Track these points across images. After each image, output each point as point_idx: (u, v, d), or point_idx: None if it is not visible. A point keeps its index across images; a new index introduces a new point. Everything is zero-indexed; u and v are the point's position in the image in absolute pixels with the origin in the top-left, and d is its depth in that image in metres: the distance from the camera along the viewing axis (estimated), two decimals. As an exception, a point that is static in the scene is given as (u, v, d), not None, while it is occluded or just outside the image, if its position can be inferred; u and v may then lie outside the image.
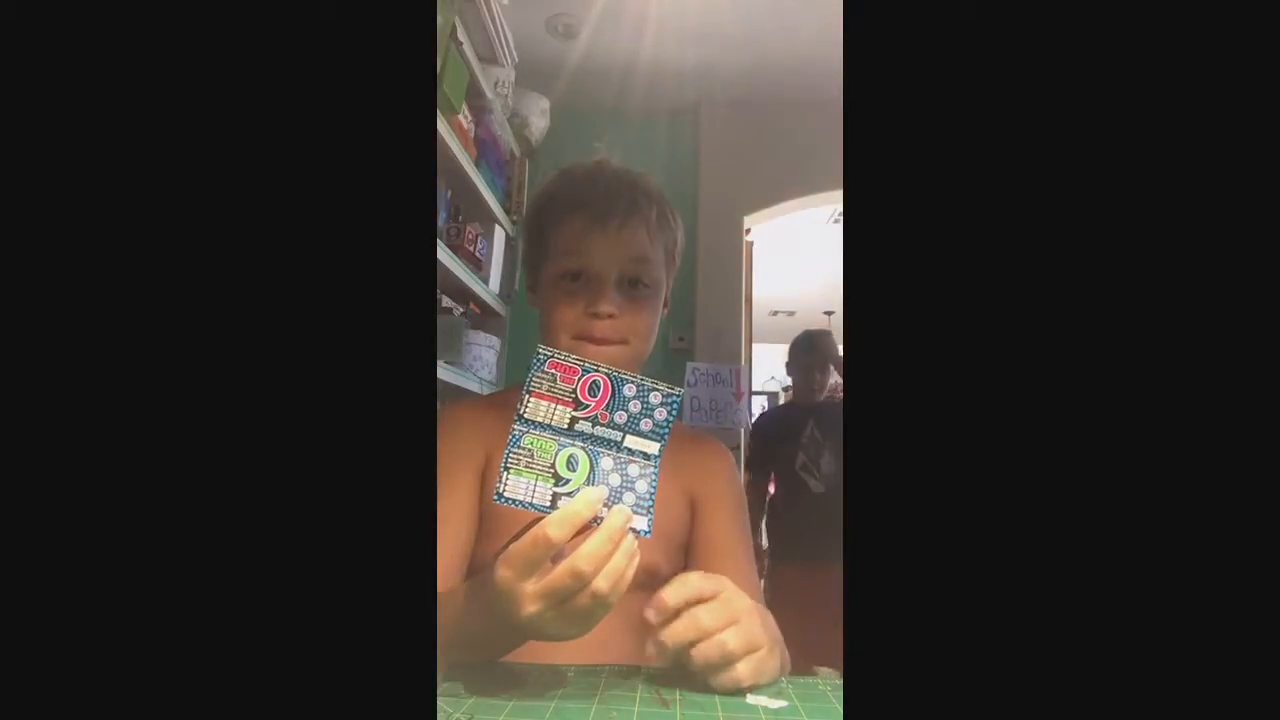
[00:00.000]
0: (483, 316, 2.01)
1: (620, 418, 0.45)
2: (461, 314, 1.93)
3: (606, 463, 0.45)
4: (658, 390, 0.45)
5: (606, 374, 0.44)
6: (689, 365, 2.24)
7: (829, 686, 0.50)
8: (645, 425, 0.45)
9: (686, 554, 0.75)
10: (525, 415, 0.44)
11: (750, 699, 0.47)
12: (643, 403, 0.45)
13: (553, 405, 0.44)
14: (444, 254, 1.51)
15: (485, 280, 1.85)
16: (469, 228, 1.74)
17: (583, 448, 0.45)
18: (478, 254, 1.79)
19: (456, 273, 1.60)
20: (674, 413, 0.46)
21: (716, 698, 0.47)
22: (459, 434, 0.71)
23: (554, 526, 0.42)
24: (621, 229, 0.70)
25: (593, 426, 0.45)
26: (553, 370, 0.44)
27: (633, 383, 0.45)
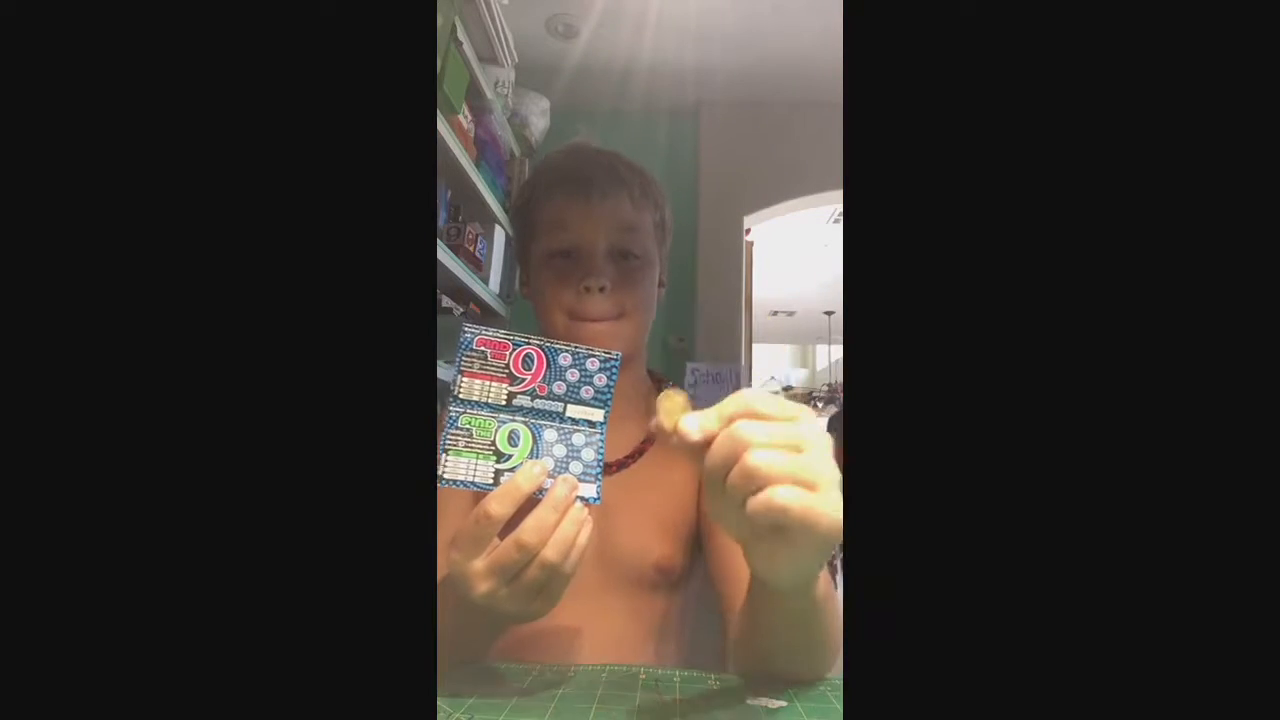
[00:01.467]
0: (483, 316, 2.01)
1: (559, 388, 0.45)
2: (461, 314, 1.93)
3: (550, 435, 0.45)
4: (594, 356, 0.45)
5: (539, 345, 0.44)
6: (689, 365, 2.24)
7: (829, 686, 0.50)
8: (586, 393, 0.45)
9: (704, 541, 0.72)
10: (460, 395, 0.44)
11: (750, 700, 0.47)
12: (580, 371, 0.45)
13: (487, 383, 0.44)
14: (444, 254, 1.51)
15: (485, 280, 1.85)
16: (469, 228, 1.74)
17: (523, 422, 0.44)
18: (478, 254, 1.79)
19: (456, 273, 1.60)
20: (613, 377, 0.45)
21: (716, 698, 0.47)
22: None
23: (495, 502, 0.42)
24: (605, 199, 0.70)
25: (532, 400, 0.44)
26: (481, 347, 0.44)
27: (567, 352, 0.44)
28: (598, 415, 0.45)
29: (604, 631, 0.65)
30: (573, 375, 0.45)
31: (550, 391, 0.45)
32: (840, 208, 3.12)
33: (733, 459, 0.36)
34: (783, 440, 0.36)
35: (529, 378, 0.44)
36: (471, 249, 1.74)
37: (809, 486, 0.36)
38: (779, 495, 0.35)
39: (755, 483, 0.36)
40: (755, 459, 0.35)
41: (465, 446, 0.44)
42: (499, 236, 1.95)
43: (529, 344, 0.44)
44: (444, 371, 1.55)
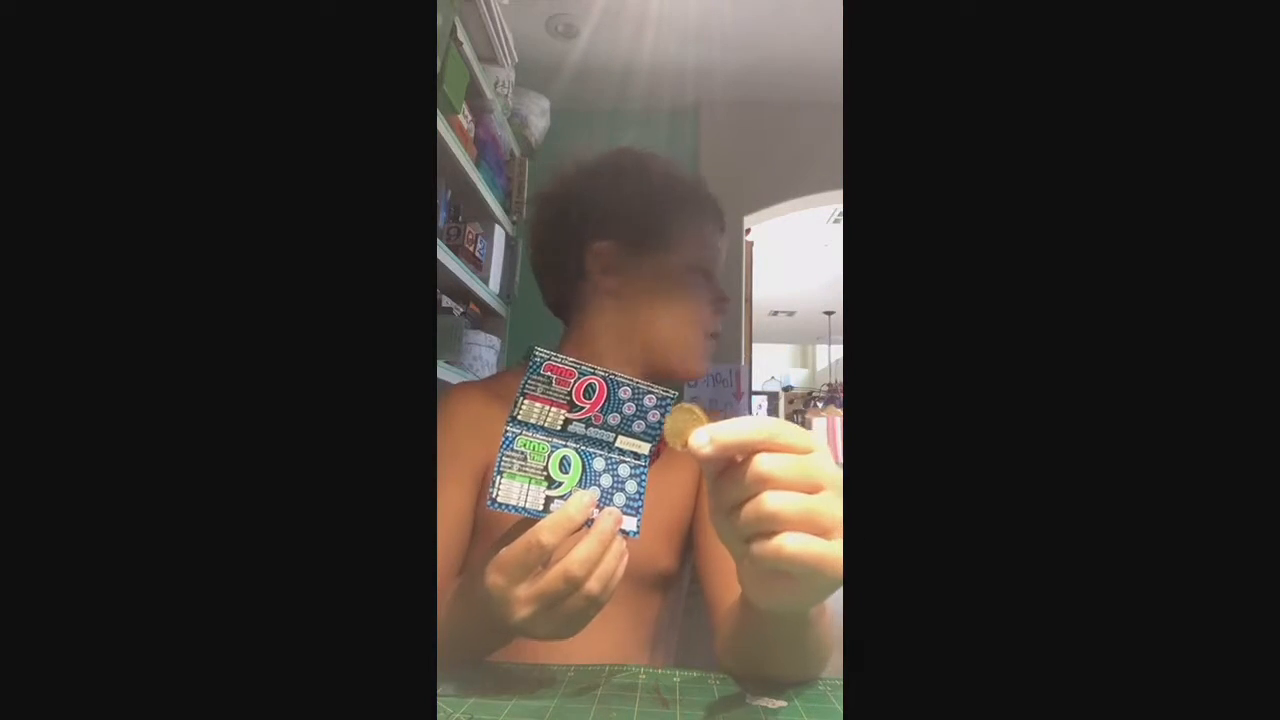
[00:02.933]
0: (483, 316, 2.00)
1: (614, 419, 0.45)
2: (461, 314, 1.92)
3: (598, 463, 0.45)
4: (653, 393, 0.45)
5: (603, 376, 0.44)
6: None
7: (829, 686, 0.50)
8: (638, 427, 0.45)
9: (694, 540, 0.72)
10: (519, 417, 0.44)
11: (750, 700, 0.47)
12: (637, 405, 0.45)
13: (546, 407, 0.44)
14: (444, 254, 1.51)
15: (485, 280, 1.85)
16: (469, 228, 1.73)
17: (575, 449, 0.45)
18: (478, 254, 1.79)
19: (456, 273, 1.60)
20: (666, 414, 0.45)
21: (716, 697, 0.47)
22: (455, 429, 0.70)
23: (547, 532, 0.42)
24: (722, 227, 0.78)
25: (586, 428, 0.45)
26: (549, 373, 0.44)
27: (629, 385, 0.45)
28: (644, 449, 0.46)
29: (603, 632, 0.65)
30: (629, 409, 0.45)
31: (605, 422, 0.45)
32: (840, 208, 3.12)
33: (747, 493, 0.35)
34: (800, 478, 0.35)
35: (588, 406, 0.44)
36: (471, 249, 1.74)
37: (822, 533, 0.35)
38: (790, 543, 0.34)
39: (768, 525, 0.35)
40: (771, 503, 0.35)
41: (519, 470, 0.44)
42: (499, 236, 1.95)
43: (594, 374, 0.44)
44: (444, 372, 1.55)
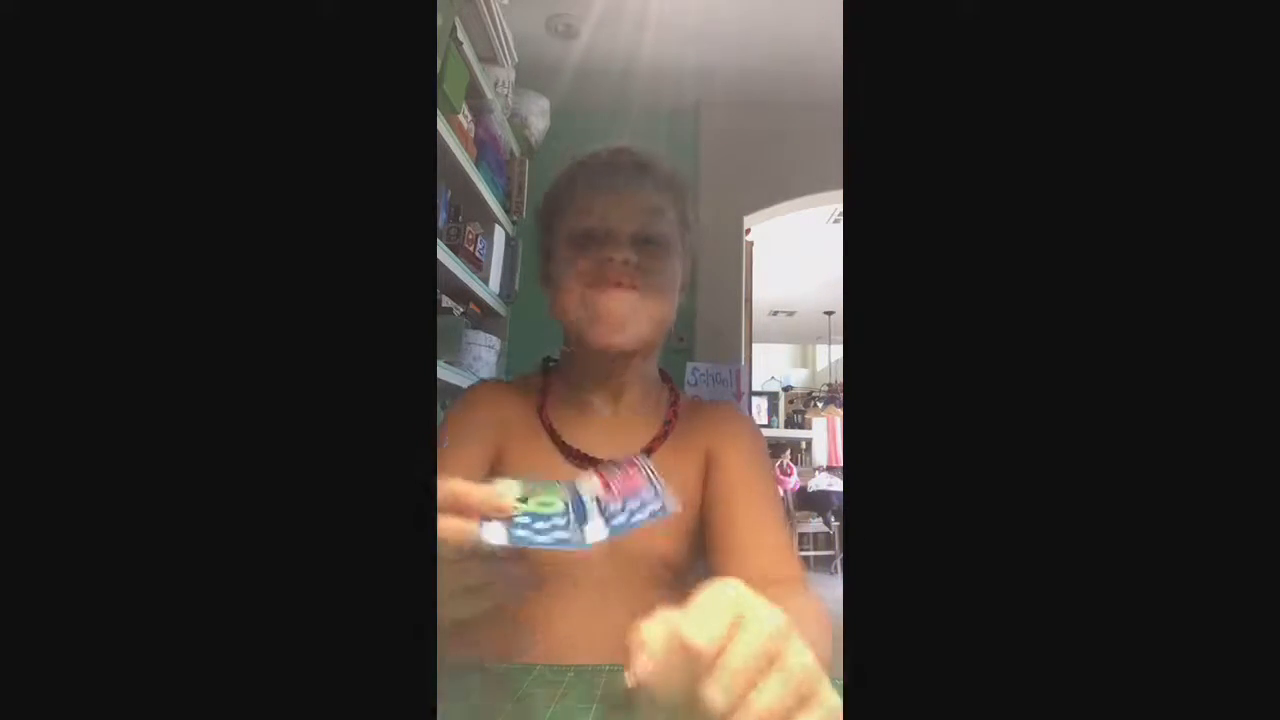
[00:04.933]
0: (483, 316, 2.01)
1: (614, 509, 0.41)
2: (461, 314, 1.93)
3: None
4: (650, 508, 0.41)
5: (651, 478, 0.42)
6: (689, 365, 2.24)
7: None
8: (614, 514, 0.40)
9: (703, 519, 0.71)
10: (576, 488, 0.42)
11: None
12: (635, 500, 0.41)
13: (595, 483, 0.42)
14: (444, 254, 1.51)
15: (485, 280, 1.85)
16: (469, 228, 1.74)
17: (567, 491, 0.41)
18: (478, 254, 1.79)
19: (456, 273, 1.60)
20: (636, 526, 0.40)
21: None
22: (475, 416, 0.73)
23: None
24: (629, 184, 0.72)
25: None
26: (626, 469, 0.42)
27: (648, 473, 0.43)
28: (601, 532, 0.39)
29: (607, 629, 0.65)
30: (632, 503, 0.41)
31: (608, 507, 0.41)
32: (840, 208, 3.13)
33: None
34: (749, 677, 0.28)
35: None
36: (471, 249, 1.74)
37: (800, 706, 0.29)
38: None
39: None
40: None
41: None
42: (499, 236, 1.95)
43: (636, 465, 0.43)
44: (444, 372, 1.55)
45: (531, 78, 2.13)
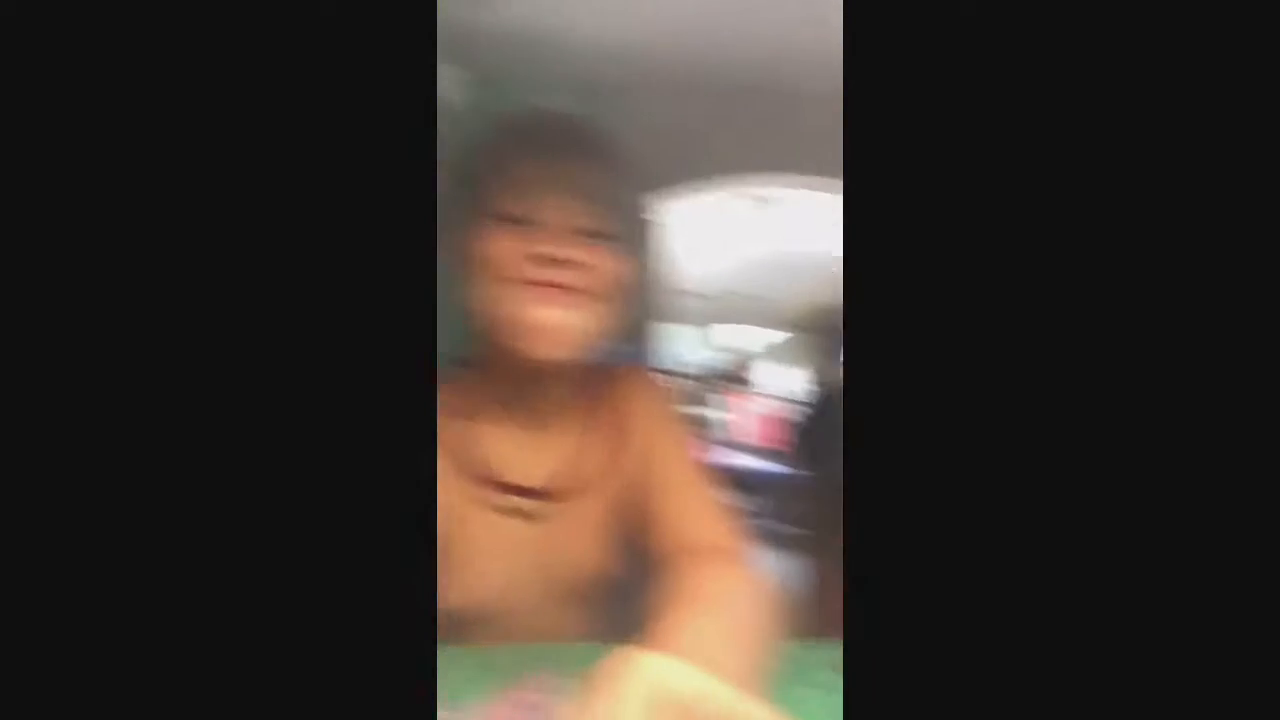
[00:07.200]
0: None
1: None
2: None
3: None
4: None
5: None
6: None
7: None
8: None
9: (625, 495, 0.67)
10: None
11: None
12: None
13: None
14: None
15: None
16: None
17: None
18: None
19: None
20: None
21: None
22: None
23: None
24: (577, 165, 0.59)
25: None
26: None
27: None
28: None
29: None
30: None
31: None
32: (762, 191, 3.18)
33: None
34: None
35: None
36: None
37: None
38: None
39: None
40: None
41: None
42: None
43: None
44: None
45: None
